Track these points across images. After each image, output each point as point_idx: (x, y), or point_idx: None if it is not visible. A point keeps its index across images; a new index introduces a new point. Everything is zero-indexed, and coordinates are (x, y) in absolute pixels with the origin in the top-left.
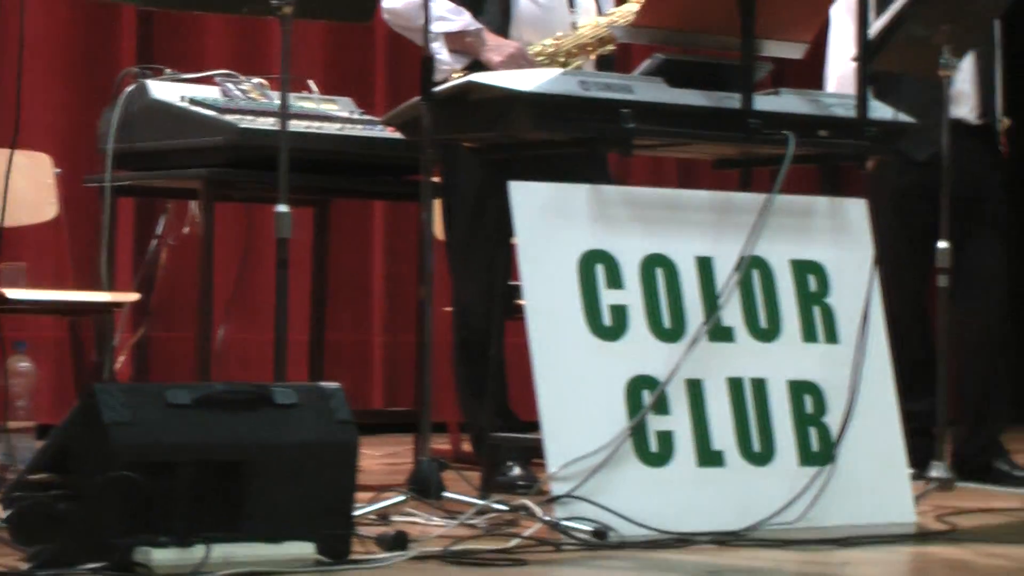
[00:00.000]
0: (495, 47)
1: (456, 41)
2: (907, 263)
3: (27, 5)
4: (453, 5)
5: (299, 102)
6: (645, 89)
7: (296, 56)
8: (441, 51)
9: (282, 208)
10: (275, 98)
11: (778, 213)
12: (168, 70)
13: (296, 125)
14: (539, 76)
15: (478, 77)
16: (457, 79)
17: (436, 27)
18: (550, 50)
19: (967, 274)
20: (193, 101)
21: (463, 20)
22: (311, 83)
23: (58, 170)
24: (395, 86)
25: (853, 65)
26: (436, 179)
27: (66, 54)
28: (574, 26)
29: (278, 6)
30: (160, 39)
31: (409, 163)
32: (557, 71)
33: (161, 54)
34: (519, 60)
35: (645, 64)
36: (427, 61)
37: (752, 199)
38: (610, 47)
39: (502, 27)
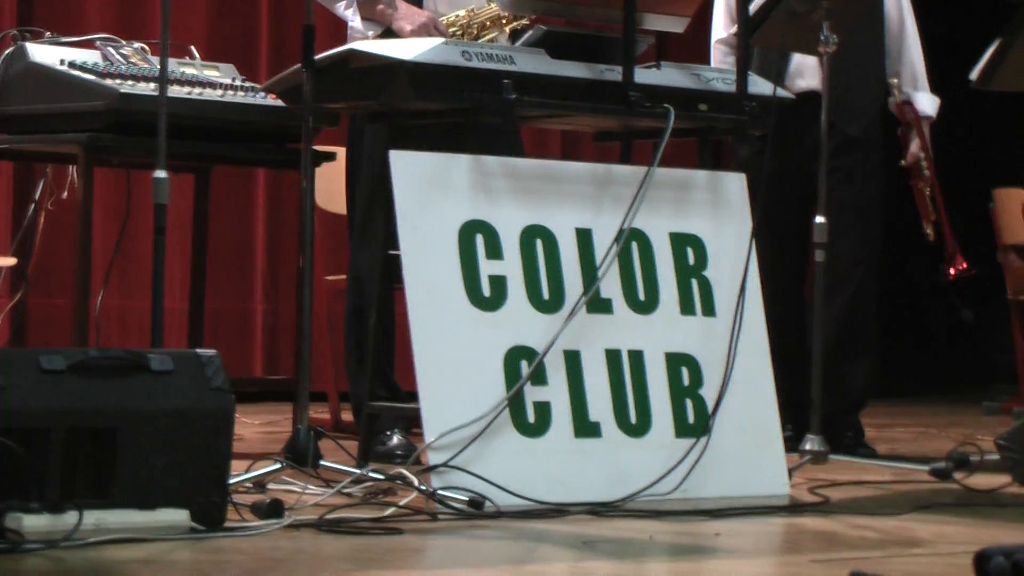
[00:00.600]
0: (407, 15)
1: (368, 9)
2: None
3: None
4: None
5: (181, 68)
6: (526, 60)
7: (179, 22)
8: (354, 18)
9: (160, 174)
10: (156, 64)
11: (658, 186)
12: (48, 33)
13: (177, 91)
14: (420, 45)
15: (359, 45)
16: (341, 48)
17: None
18: (463, 20)
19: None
20: (73, 65)
21: None
22: (193, 48)
23: None
24: (279, 54)
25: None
26: (323, 148)
27: None
28: None
29: None
30: (40, 2)
31: (291, 131)
32: (438, 40)
33: (42, 18)
34: (430, 29)
35: (527, 35)
36: (308, 30)
37: (632, 172)
38: (524, 20)
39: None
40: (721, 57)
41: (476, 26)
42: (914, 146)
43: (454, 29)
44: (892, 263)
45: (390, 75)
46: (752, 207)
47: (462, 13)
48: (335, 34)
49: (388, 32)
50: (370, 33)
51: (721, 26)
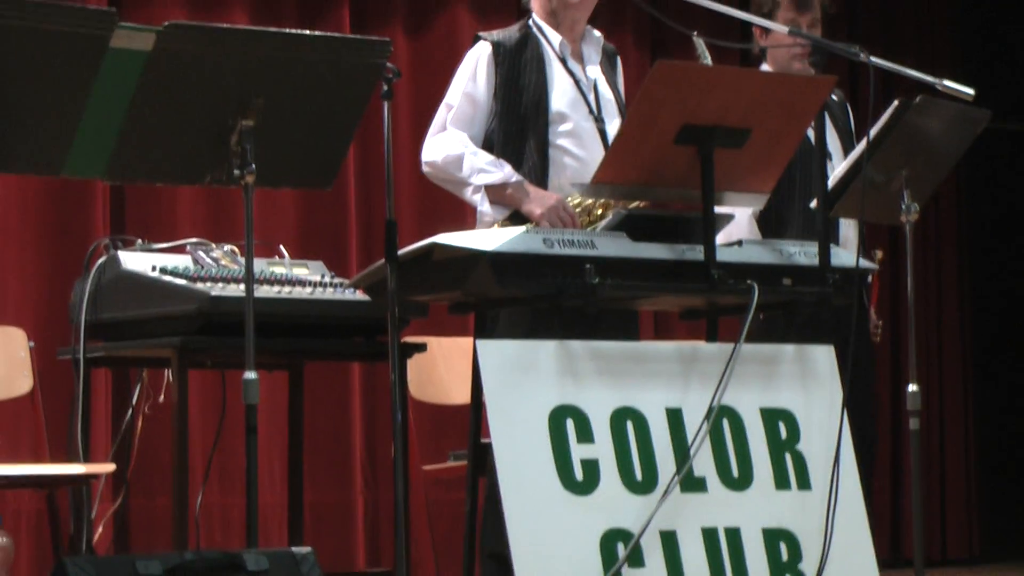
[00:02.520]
0: (536, 198)
1: (497, 193)
2: None
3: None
4: (492, 157)
5: (270, 267)
6: (608, 244)
7: (267, 222)
8: (483, 203)
9: (250, 375)
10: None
11: (745, 361)
12: (140, 240)
13: (267, 291)
14: (502, 235)
15: (441, 238)
16: (423, 242)
17: (478, 179)
18: (588, 201)
19: None
20: (164, 270)
21: (504, 172)
22: (282, 247)
23: (32, 343)
24: (368, 248)
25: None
26: (413, 339)
27: (38, 227)
28: None
29: (239, 176)
30: (131, 209)
31: (382, 324)
32: (519, 230)
33: (133, 224)
34: (559, 211)
35: (607, 219)
36: (390, 225)
37: (718, 349)
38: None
39: (541, 179)
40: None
41: (600, 205)
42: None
43: (580, 210)
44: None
45: (472, 265)
46: (842, 377)
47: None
48: (421, 226)
49: (516, 215)
50: (499, 216)
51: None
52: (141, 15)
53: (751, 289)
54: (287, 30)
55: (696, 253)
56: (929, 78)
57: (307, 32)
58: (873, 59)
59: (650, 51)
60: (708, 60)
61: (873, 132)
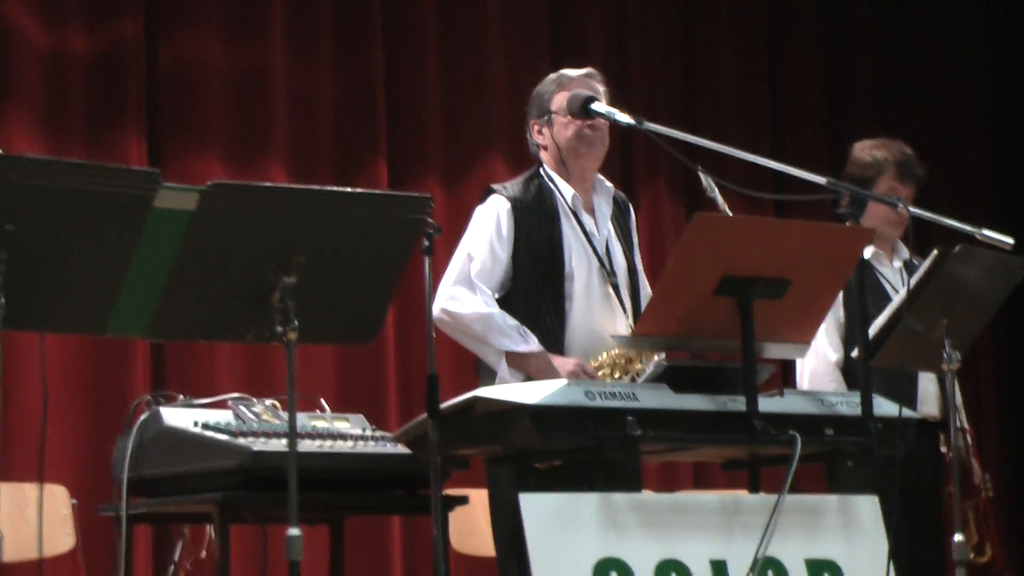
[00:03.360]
0: (557, 368)
1: (517, 360)
2: None
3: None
4: (517, 323)
5: (311, 421)
6: (649, 396)
7: (307, 374)
8: (501, 367)
9: (293, 531)
10: (287, 419)
11: (789, 512)
12: (181, 396)
13: (308, 445)
14: (544, 388)
15: (483, 392)
16: (465, 396)
17: (501, 343)
18: (609, 361)
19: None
20: (206, 426)
21: (529, 344)
22: (322, 401)
23: (74, 501)
24: (407, 401)
25: (829, 360)
26: (455, 492)
27: (79, 383)
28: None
29: (282, 333)
30: (171, 364)
31: (423, 477)
32: (561, 382)
33: (173, 379)
34: (578, 376)
35: (648, 371)
36: (432, 379)
37: (762, 500)
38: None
39: (557, 336)
40: (826, 381)
41: (623, 361)
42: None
43: (603, 371)
44: None
45: (514, 419)
46: (887, 529)
47: (605, 355)
48: (459, 379)
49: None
50: (515, 381)
51: (831, 348)
52: (177, 168)
53: (793, 440)
54: (329, 188)
55: (738, 404)
56: (968, 227)
57: (349, 189)
58: (912, 209)
59: (684, 199)
60: (717, 196)
61: (913, 282)
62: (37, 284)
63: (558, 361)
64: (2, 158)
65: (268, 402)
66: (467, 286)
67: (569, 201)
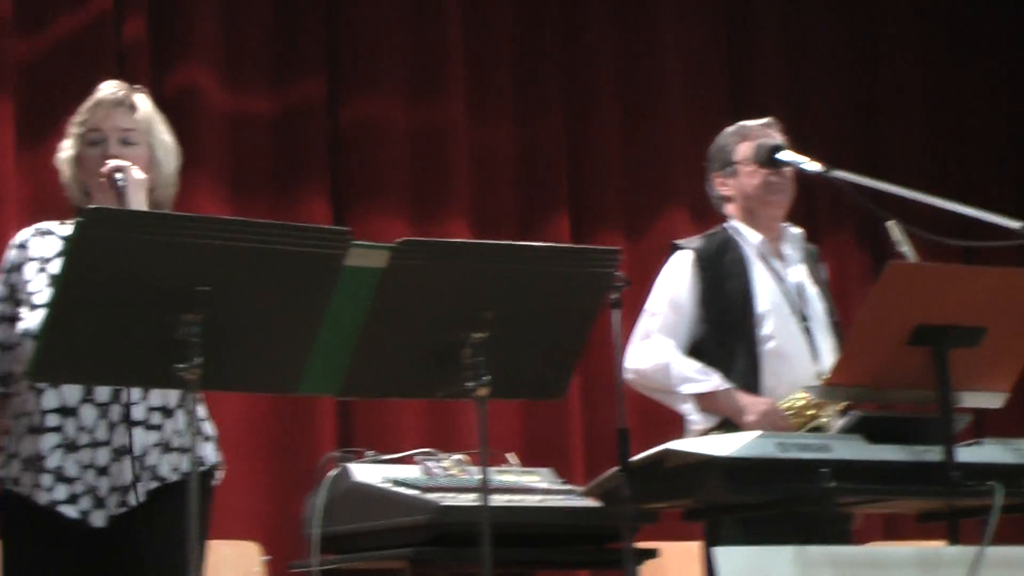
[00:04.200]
0: (747, 405)
1: (707, 401)
2: None
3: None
4: (700, 365)
5: (499, 476)
6: (843, 447)
7: (493, 429)
8: (691, 411)
9: None
10: (475, 474)
11: (990, 566)
12: (369, 452)
13: (497, 499)
14: (735, 441)
15: (674, 445)
16: (656, 449)
17: (686, 388)
18: (799, 404)
19: None
20: (395, 482)
21: (713, 381)
22: (510, 456)
23: (267, 557)
24: (592, 454)
25: None
26: (644, 545)
27: (267, 441)
28: (819, 376)
29: (473, 388)
30: (358, 421)
31: (610, 531)
32: (754, 434)
33: (360, 435)
34: (771, 416)
35: (843, 422)
36: (622, 433)
37: (961, 552)
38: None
39: (752, 382)
40: None
41: (812, 406)
42: None
43: (791, 412)
44: None
45: (706, 472)
46: None
47: (799, 395)
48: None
49: (727, 422)
50: (708, 424)
51: None
52: (360, 226)
53: (993, 490)
54: (518, 243)
55: (934, 454)
56: None
57: (538, 244)
58: None
59: (870, 247)
60: (906, 247)
61: None
62: (231, 344)
63: (748, 400)
64: (196, 219)
65: (456, 457)
66: (648, 341)
67: (757, 247)
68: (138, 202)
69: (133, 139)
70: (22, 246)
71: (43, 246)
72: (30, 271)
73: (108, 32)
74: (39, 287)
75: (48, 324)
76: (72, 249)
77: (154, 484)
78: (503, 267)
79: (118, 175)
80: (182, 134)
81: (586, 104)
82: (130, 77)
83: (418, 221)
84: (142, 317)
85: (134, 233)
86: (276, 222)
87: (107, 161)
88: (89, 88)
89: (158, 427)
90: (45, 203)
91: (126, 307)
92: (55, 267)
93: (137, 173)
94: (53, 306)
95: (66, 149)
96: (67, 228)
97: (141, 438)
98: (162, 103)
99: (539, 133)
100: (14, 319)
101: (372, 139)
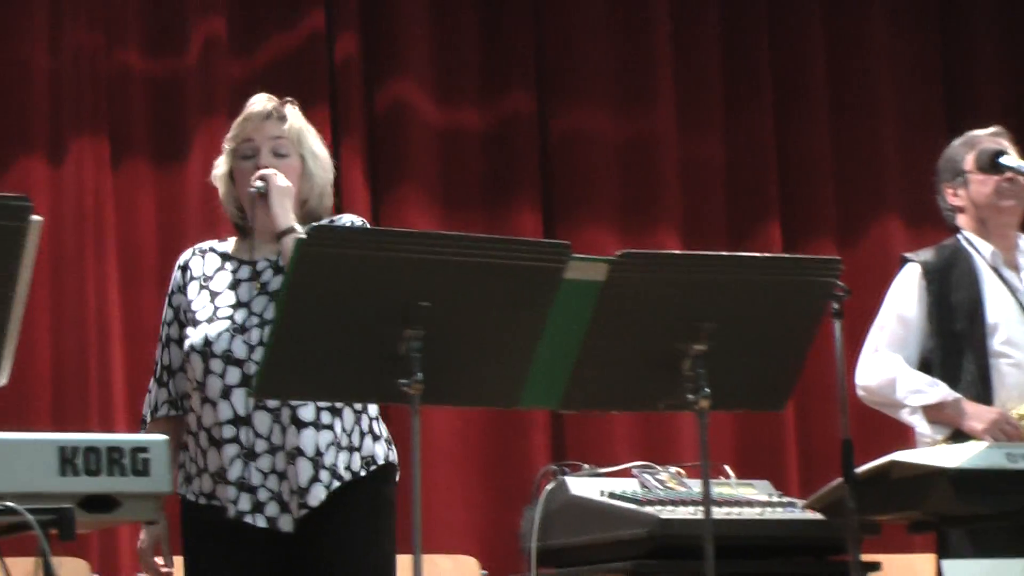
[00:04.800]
0: (975, 415)
1: (935, 412)
2: None
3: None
4: (927, 378)
5: (717, 488)
6: None
7: (709, 441)
8: (920, 423)
9: None
10: (693, 486)
11: None
12: (585, 465)
13: (716, 512)
14: (963, 451)
15: (900, 456)
16: (882, 460)
17: (913, 400)
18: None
19: None
20: (612, 495)
21: (940, 391)
22: (727, 468)
23: (484, 572)
24: (807, 466)
25: None
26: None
27: (482, 455)
28: None
29: (693, 401)
30: (570, 434)
31: (832, 543)
32: (981, 445)
33: (573, 448)
34: (1002, 425)
35: None
36: (847, 444)
37: None
38: None
39: (982, 392)
40: None
41: None
42: None
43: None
44: None
45: (933, 483)
46: None
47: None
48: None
49: (957, 433)
50: (938, 436)
51: None
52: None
53: None
54: (737, 253)
55: None
56: None
57: (757, 254)
58: None
59: None
60: None
61: None
62: (452, 359)
63: (977, 409)
64: (416, 235)
65: (672, 469)
66: (877, 356)
67: (989, 258)
68: (282, 209)
69: (284, 149)
70: (184, 267)
71: (203, 265)
72: (192, 291)
73: (320, 51)
74: (202, 305)
75: (272, 341)
76: (294, 267)
77: (336, 483)
78: (723, 278)
79: (258, 182)
80: (394, 150)
81: (796, 110)
82: (342, 95)
83: (628, 232)
84: (364, 333)
85: (355, 249)
86: (496, 236)
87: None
88: (302, 108)
89: (328, 426)
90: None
91: (348, 323)
92: (217, 284)
93: (281, 180)
94: (277, 323)
95: (219, 166)
96: (227, 245)
97: (312, 438)
98: (374, 120)
99: (748, 141)
100: (181, 341)
101: (581, 151)
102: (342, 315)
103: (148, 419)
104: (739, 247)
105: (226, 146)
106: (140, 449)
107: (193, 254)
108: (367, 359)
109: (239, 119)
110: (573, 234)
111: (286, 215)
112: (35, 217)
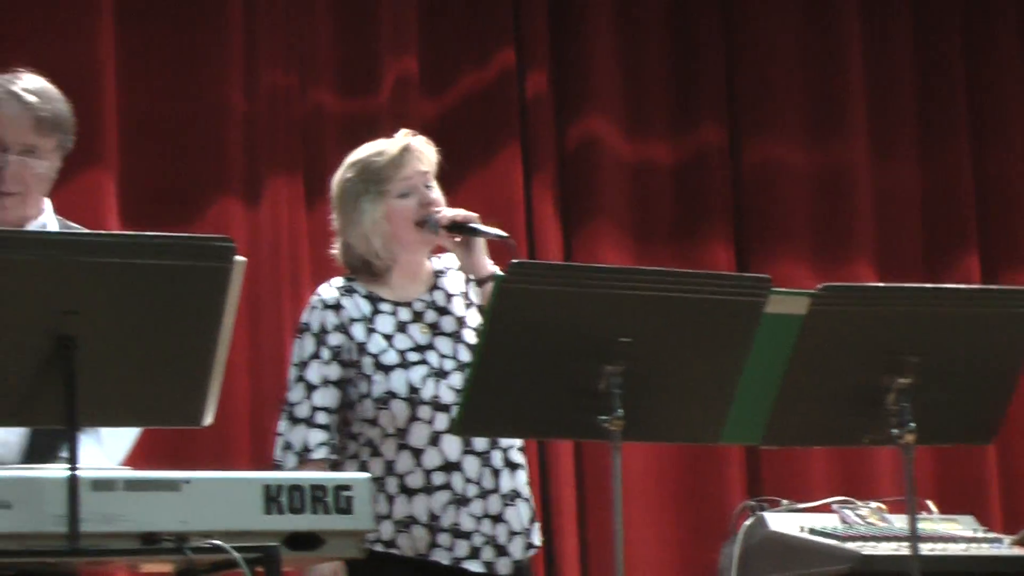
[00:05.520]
0: None
1: None
2: None
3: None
4: None
5: (920, 523)
6: None
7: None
8: None
9: None
10: (894, 522)
11: None
12: (784, 501)
13: (920, 547)
14: None
15: None
16: None
17: None
18: None
19: None
20: (813, 531)
21: None
22: (930, 503)
23: None
24: (1011, 501)
25: None
26: None
27: (676, 490)
28: None
29: (898, 435)
30: (767, 469)
31: None
32: None
33: (770, 484)
34: None
35: None
36: None
37: None
38: None
39: None
40: None
41: None
42: None
43: None
44: None
45: None
46: None
47: None
48: None
49: None
50: None
51: None
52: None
53: None
54: (943, 285)
55: None
56: None
57: (963, 286)
58: None
59: None
60: None
61: None
62: (652, 395)
63: None
64: (616, 270)
65: (873, 504)
66: None
67: None
68: (483, 253)
69: (432, 183)
70: (336, 307)
71: (356, 305)
72: (359, 332)
73: (511, 88)
74: (380, 348)
75: (473, 378)
76: (495, 303)
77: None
78: (926, 310)
79: (435, 212)
80: (585, 185)
81: (993, 137)
82: (533, 131)
83: (822, 264)
84: (564, 369)
85: (555, 285)
86: (696, 271)
87: (432, 206)
88: (493, 144)
89: (523, 466)
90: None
91: (548, 359)
92: (382, 326)
93: (447, 211)
94: (477, 360)
95: (367, 212)
96: (358, 285)
97: (523, 479)
98: (564, 155)
99: (944, 169)
100: (340, 382)
101: (774, 183)
102: (541, 351)
103: (293, 462)
104: (936, 278)
105: (369, 191)
106: (343, 487)
107: (340, 293)
108: (566, 395)
109: (382, 162)
110: (766, 267)
111: (485, 259)
112: (239, 258)
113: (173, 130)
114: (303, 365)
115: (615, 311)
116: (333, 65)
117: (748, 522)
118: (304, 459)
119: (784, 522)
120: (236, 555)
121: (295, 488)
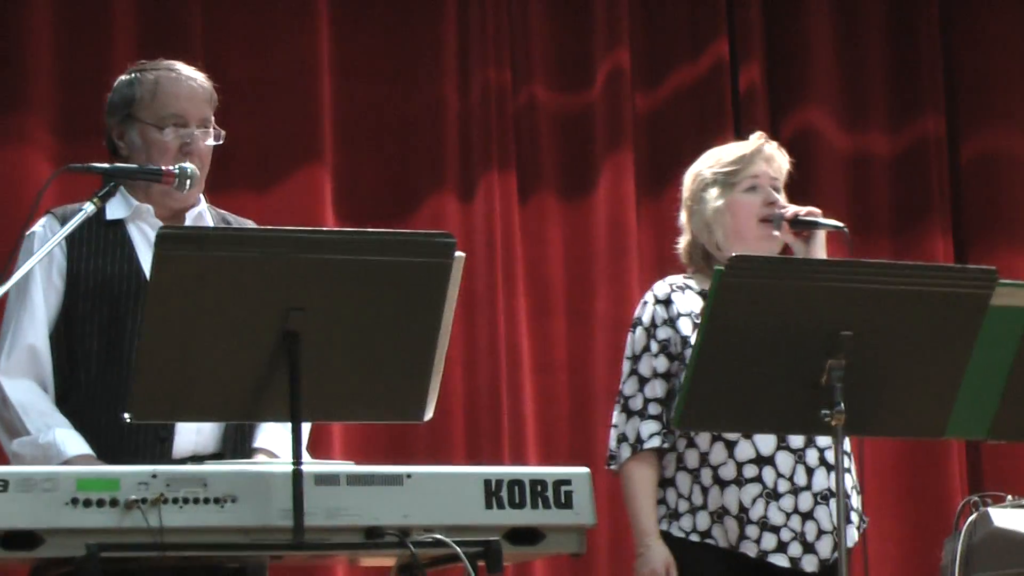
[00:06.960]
0: None
1: None
2: None
3: None
4: None
5: None
6: None
7: None
8: None
9: None
10: None
11: None
12: (1009, 496)
13: None
14: None
15: None
16: None
17: None
18: None
19: None
20: None
21: None
22: None
23: None
24: None
25: None
26: None
27: (895, 486)
28: None
29: None
30: (987, 464)
31: None
32: None
33: (990, 478)
34: None
35: None
36: None
37: None
38: None
39: None
40: None
41: None
42: None
43: None
44: None
45: None
46: None
47: None
48: None
49: None
50: None
51: None
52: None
53: None
54: None
55: None
56: None
57: None
58: None
59: None
60: None
61: None
62: (876, 388)
63: None
64: (838, 263)
65: None
66: None
67: None
68: (820, 242)
69: (779, 187)
70: (666, 302)
71: (687, 301)
72: (685, 327)
73: (724, 80)
74: None
75: (694, 371)
76: (716, 297)
77: (863, 527)
78: None
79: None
80: (801, 177)
81: None
82: (747, 123)
83: None
84: (784, 363)
85: (777, 279)
86: (920, 263)
87: (777, 206)
88: (706, 137)
89: (848, 469)
90: (666, 253)
91: (768, 353)
92: None
93: (791, 206)
94: (697, 353)
95: (711, 202)
96: (693, 281)
97: (847, 480)
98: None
99: None
100: (667, 375)
101: (995, 173)
102: (762, 345)
103: (627, 454)
104: None
105: (718, 178)
106: (563, 482)
107: (673, 289)
108: (788, 389)
109: (738, 154)
110: (987, 259)
111: (824, 251)
112: (459, 253)
113: (388, 128)
114: (636, 359)
115: (837, 304)
116: (546, 60)
117: (972, 518)
118: (637, 450)
119: (1010, 518)
120: (458, 549)
121: (515, 482)
